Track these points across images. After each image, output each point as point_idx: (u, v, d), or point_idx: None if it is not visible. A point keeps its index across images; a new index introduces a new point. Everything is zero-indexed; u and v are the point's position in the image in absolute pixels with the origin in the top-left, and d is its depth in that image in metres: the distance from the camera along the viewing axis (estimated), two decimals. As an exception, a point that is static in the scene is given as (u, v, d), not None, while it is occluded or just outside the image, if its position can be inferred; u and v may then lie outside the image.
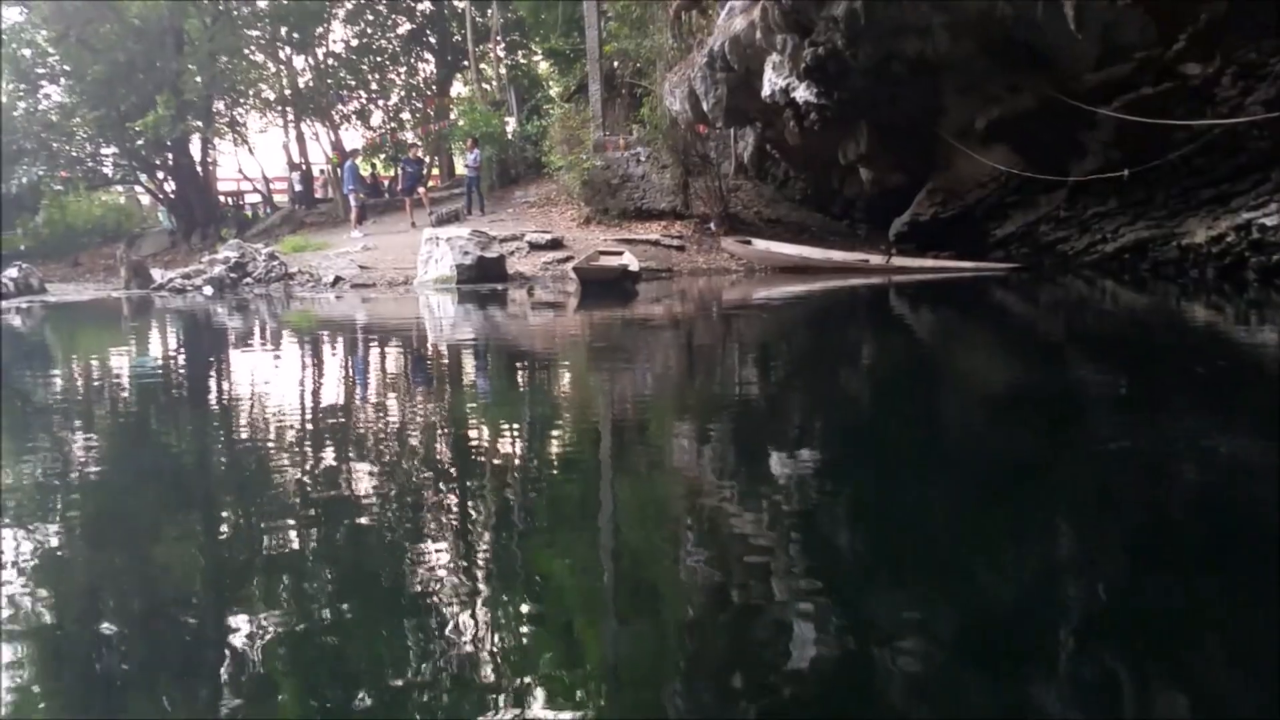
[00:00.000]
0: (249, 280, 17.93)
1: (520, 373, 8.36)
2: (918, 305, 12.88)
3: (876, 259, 16.74)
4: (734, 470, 4.67)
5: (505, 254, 17.22)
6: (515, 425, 5.92)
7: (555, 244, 18.61)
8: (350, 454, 5.08)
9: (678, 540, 3.64)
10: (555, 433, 5.66)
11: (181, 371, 9.19)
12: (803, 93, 15.45)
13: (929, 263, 16.13)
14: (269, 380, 8.31)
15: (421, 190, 24.50)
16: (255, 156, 34.48)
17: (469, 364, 9.05)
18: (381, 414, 6.36)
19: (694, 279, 17.04)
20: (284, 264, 18.36)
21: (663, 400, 6.81)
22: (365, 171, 30.90)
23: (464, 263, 16.23)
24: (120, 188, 34.54)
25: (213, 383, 8.44)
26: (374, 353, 10.03)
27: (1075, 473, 4.39)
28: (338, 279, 17.49)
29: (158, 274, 19.29)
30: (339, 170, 27.17)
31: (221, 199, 32.58)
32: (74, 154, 29.90)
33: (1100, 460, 4.57)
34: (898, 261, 16.49)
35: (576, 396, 7.12)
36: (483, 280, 16.26)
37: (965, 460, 4.76)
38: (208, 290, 17.55)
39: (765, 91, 16.03)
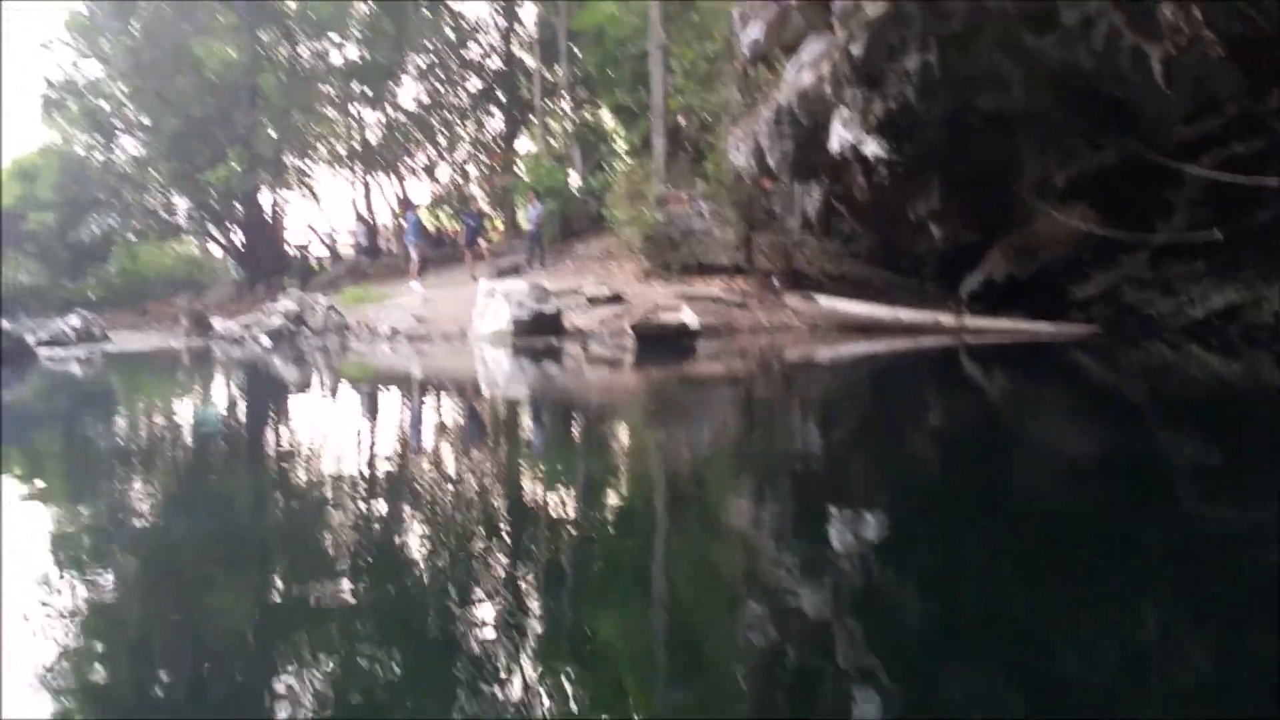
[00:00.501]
0: (307, 331, 17.94)
1: (573, 430, 8.02)
2: (991, 368, 12.30)
3: (947, 319, 16.17)
4: (794, 535, 4.35)
5: (562, 308, 16.99)
6: (568, 483, 5.66)
7: (614, 299, 18.34)
8: (404, 509, 4.88)
9: (735, 605, 3.42)
10: (609, 491, 5.41)
11: (228, 423, 8.96)
12: (872, 147, 15.07)
13: (1003, 324, 15.52)
14: (318, 434, 8.11)
15: (482, 243, 24.49)
16: (323, 209, 34.98)
17: (521, 420, 8.75)
18: (435, 470, 6.08)
19: (755, 336, 16.63)
20: (341, 315, 18.40)
21: (720, 461, 6.44)
22: (430, 224, 31.11)
23: (520, 316, 16.02)
24: (193, 238, 35.13)
25: (259, 435, 8.20)
26: (426, 407, 9.76)
27: (1161, 551, 3.87)
28: (394, 331, 17.41)
29: (219, 324, 19.43)
30: (402, 222, 27.34)
31: (289, 250, 33.00)
32: (147, 205, 30.53)
33: (1189, 538, 4.04)
34: (969, 321, 15.91)
35: (630, 455, 6.79)
36: (538, 334, 16.00)
37: (1041, 533, 4.28)
38: (265, 340, 17.59)
39: (833, 146, 15.68)
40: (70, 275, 32.29)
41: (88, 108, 28.22)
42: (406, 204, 28.85)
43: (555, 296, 17.20)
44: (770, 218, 19.93)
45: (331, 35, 30.37)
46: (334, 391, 11.53)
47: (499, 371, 12.86)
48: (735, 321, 17.60)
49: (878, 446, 7.00)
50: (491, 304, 16.69)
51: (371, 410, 9.62)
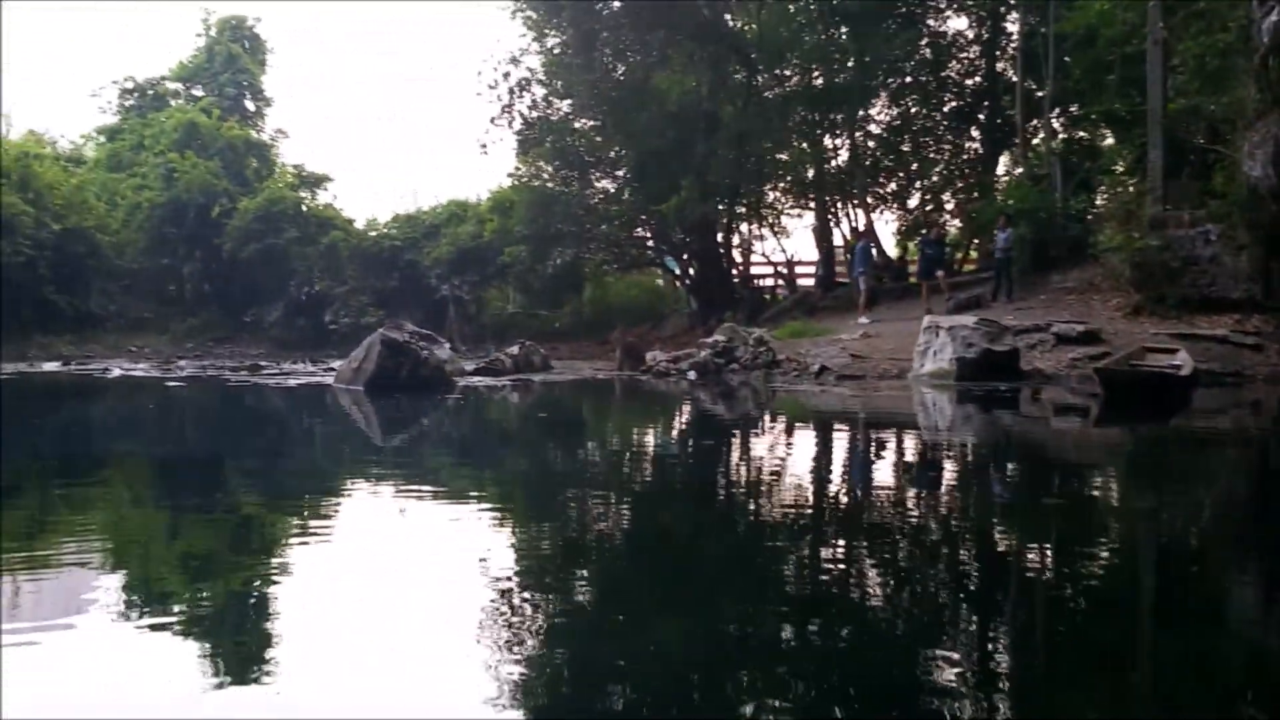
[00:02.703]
0: (734, 366, 17.83)
1: (1028, 488, 7.20)
2: None
3: None
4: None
5: (1020, 347, 15.39)
6: (1034, 548, 5.14)
7: (1089, 337, 16.43)
8: (856, 556, 4.87)
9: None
10: (1083, 564, 4.80)
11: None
12: None
13: None
14: (752, 467, 8.11)
15: (940, 273, 23.07)
16: (782, 239, 35.17)
17: (981, 475, 8.05)
18: (878, 516, 5.89)
19: (1274, 387, 14.07)
20: (772, 350, 18.27)
21: (1221, 539, 5.53)
22: (894, 254, 30.19)
23: (966, 356, 14.70)
24: (660, 269, 36.76)
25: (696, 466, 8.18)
26: (859, 451, 9.25)
27: None
28: (823, 368, 16.81)
29: (650, 356, 19.91)
30: (851, 253, 26.66)
31: (749, 282, 33.48)
32: (612, 237, 32.40)
33: None
34: None
35: (1105, 525, 5.85)
36: (989, 376, 14.58)
37: None
38: (691, 375, 17.83)
39: (1388, 146, 12.82)
40: (547, 306, 35.21)
41: (558, 144, 30.51)
42: (859, 234, 28.08)
43: (1012, 334, 15.60)
44: (1299, 241, 16.90)
45: (792, 60, 30.42)
46: (752, 427, 11.38)
47: (940, 417, 11.98)
48: (1247, 367, 15.17)
49: None
50: (934, 341, 15.52)
51: (809, 450, 9.55)
